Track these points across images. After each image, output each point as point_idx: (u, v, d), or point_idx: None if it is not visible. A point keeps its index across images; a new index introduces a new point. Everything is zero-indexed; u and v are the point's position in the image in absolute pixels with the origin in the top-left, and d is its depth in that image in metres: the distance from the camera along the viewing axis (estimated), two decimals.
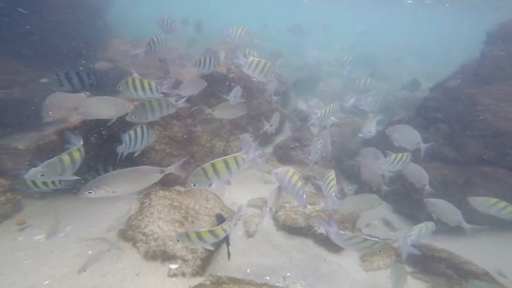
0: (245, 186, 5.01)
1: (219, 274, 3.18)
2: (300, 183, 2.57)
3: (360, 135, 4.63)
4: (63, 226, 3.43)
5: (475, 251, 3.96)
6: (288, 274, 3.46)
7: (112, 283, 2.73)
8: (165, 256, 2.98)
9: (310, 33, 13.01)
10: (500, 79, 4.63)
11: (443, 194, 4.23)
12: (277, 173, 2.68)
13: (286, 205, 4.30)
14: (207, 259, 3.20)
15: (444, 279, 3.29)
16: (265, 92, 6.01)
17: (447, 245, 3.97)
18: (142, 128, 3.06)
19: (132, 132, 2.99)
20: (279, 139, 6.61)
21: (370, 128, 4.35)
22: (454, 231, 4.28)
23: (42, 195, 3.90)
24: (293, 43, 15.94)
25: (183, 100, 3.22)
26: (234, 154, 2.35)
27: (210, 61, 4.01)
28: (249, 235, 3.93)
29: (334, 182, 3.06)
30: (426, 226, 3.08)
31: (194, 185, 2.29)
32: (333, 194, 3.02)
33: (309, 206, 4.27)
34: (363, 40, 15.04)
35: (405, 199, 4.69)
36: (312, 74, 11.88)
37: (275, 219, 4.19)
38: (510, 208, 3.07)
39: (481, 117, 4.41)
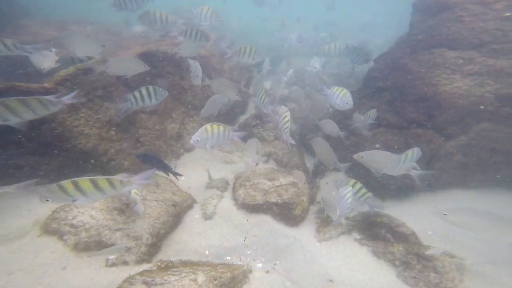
0: (205, 168, 4.80)
1: (172, 259, 3.04)
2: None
3: (308, 68, 4.84)
4: None
5: (411, 212, 4.39)
6: (249, 252, 3.46)
7: (23, 282, 2.39)
8: (102, 246, 2.71)
9: (274, 3, 12.51)
10: (425, 48, 4.94)
11: None
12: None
13: (246, 183, 4.22)
14: (155, 246, 3.01)
15: (383, 242, 3.59)
16: (223, 72, 5.66)
17: (391, 211, 4.33)
18: (147, 88, 3.24)
19: (137, 93, 3.19)
20: (243, 118, 6.42)
21: (315, 64, 4.50)
22: (402, 195, 4.68)
23: None
24: (261, 20, 15.23)
25: (71, 95, 2.53)
26: (110, 177, 2.17)
27: (197, 35, 3.85)
28: (207, 217, 3.81)
29: (289, 123, 3.45)
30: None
31: (47, 200, 2.04)
32: (288, 134, 3.47)
33: (268, 182, 4.25)
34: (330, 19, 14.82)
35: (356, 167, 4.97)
36: (280, 55, 11.66)
37: (234, 198, 4.10)
38: None
39: (412, 84, 4.74)
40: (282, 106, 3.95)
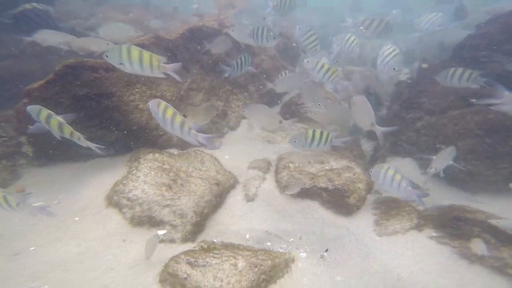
0: (247, 147, 4.59)
1: (214, 240, 2.95)
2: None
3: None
4: (57, 194, 3.38)
5: None
6: (291, 239, 3.14)
7: (97, 249, 2.62)
8: (152, 222, 2.79)
9: None
10: None
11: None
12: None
13: (290, 165, 3.83)
14: (199, 225, 2.95)
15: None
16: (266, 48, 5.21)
17: (485, 207, 3.29)
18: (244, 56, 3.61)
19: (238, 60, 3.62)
20: (288, 97, 5.91)
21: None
22: (501, 191, 3.54)
23: (41, 163, 3.89)
24: None
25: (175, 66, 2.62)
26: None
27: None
28: (249, 199, 3.60)
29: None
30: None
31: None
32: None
33: (317, 165, 3.76)
34: None
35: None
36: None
37: (277, 180, 3.77)
38: None
39: None
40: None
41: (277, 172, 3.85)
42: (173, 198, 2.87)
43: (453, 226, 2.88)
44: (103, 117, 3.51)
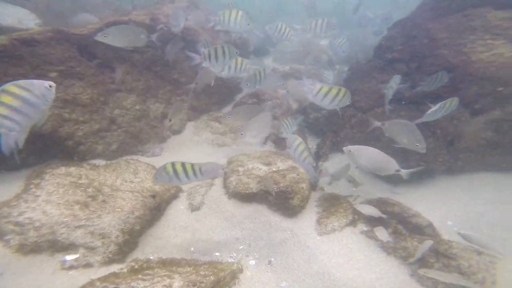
0: (194, 152, 4.32)
1: (150, 257, 2.65)
2: None
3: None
4: None
5: (429, 200, 3.82)
6: (241, 247, 3.05)
7: None
8: (58, 247, 2.32)
9: None
10: (459, 9, 4.07)
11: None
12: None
13: (240, 168, 3.73)
14: (130, 243, 2.60)
15: (394, 235, 3.08)
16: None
17: (403, 198, 3.77)
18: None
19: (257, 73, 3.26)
20: (239, 97, 5.80)
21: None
22: (413, 181, 4.10)
23: None
24: None
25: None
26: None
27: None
28: (194, 208, 3.38)
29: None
30: None
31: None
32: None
33: (264, 167, 3.74)
34: None
35: None
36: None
37: (225, 186, 3.64)
38: None
39: (435, 53, 3.96)
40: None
41: (225, 177, 3.71)
42: (90, 217, 2.45)
43: (378, 221, 3.20)
44: None
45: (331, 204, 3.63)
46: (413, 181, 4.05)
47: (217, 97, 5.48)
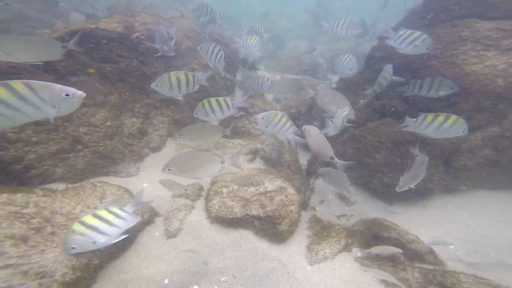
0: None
1: None
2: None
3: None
4: None
5: (427, 220, 3.56)
6: (223, 278, 2.70)
7: None
8: None
9: None
10: (446, 20, 3.97)
11: (396, 155, 3.67)
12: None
13: (224, 190, 3.40)
14: (81, 281, 2.19)
15: (391, 264, 2.79)
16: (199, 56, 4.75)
17: (400, 218, 3.51)
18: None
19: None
20: None
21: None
22: (410, 199, 3.84)
23: None
24: None
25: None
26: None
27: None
28: (171, 234, 3.02)
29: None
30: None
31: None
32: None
33: (250, 188, 3.43)
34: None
35: (357, 166, 4.10)
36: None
37: (207, 209, 3.29)
38: None
39: (427, 65, 3.81)
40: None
41: (207, 199, 3.38)
42: (27, 254, 2.04)
43: (374, 245, 2.91)
44: None
45: (323, 227, 3.33)
46: (410, 199, 3.80)
47: None
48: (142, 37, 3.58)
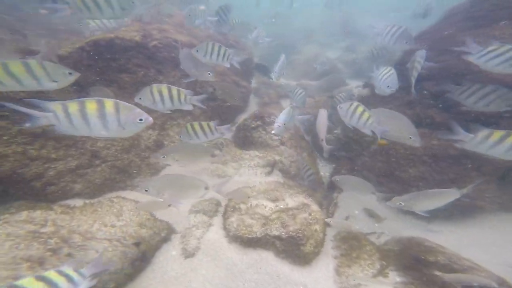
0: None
1: None
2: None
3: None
4: None
5: (478, 242, 3.14)
6: None
7: None
8: None
9: None
10: (504, 18, 3.54)
11: (434, 171, 3.31)
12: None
13: (242, 206, 3.23)
14: None
15: None
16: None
17: (444, 238, 3.13)
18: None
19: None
20: (241, 118, 5.41)
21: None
22: (454, 216, 3.45)
23: None
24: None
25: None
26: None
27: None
28: (188, 254, 2.87)
29: None
30: None
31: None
32: None
33: (269, 204, 3.22)
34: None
35: (389, 180, 3.76)
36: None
37: (225, 227, 3.12)
38: None
39: (476, 69, 3.38)
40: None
41: (225, 217, 3.21)
42: None
43: (415, 269, 2.57)
44: None
45: (351, 246, 3.05)
46: (454, 217, 3.41)
47: (218, 118, 5.11)
48: (160, 45, 3.54)
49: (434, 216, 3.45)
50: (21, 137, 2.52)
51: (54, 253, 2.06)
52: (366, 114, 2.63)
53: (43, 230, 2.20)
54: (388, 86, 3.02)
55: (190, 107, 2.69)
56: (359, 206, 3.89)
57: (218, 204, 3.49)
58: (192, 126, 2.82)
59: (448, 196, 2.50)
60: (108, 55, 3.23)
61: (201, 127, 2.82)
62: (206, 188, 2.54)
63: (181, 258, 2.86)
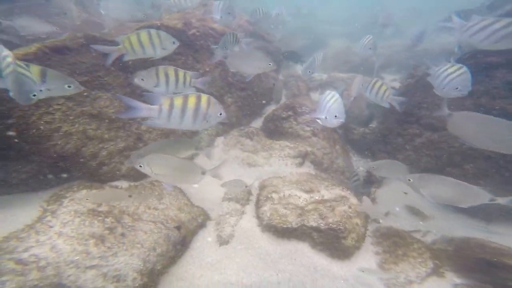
0: (223, 172, 3.86)
1: None
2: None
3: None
4: None
5: None
6: None
7: None
8: None
9: None
10: None
11: (504, 167, 2.91)
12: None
13: (274, 195, 3.15)
14: (147, 287, 2.14)
15: None
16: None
17: (511, 241, 2.77)
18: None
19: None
20: (270, 108, 5.32)
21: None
22: None
23: None
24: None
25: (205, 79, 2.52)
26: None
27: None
28: (223, 241, 2.87)
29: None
30: None
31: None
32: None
33: (304, 195, 3.11)
34: None
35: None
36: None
37: (258, 216, 3.08)
38: None
39: None
40: None
41: (258, 205, 3.16)
42: (105, 255, 2.07)
43: (482, 272, 2.29)
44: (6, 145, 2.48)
45: (395, 243, 2.83)
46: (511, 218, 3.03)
47: (248, 109, 5.06)
48: (198, 33, 3.57)
49: (491, 216, 3.09)
50: (82, 117, 2.70)
51: (111, 231, 2.17)
52: (384, 87, 2.80)
53: (99, 209, 2.32)
54: (457, 89, 2.46)
55: (192, 90, 2.56)
56: (399, 202, 3.62)
57: (249, 193, 3.46)
58: (164, 69, 2.38)
59: (471, 195, 2.03)
60: None
61: (176, 73, 2.44)
62: (203, 173, 2.34)
63: (216, 245, 2.87)
